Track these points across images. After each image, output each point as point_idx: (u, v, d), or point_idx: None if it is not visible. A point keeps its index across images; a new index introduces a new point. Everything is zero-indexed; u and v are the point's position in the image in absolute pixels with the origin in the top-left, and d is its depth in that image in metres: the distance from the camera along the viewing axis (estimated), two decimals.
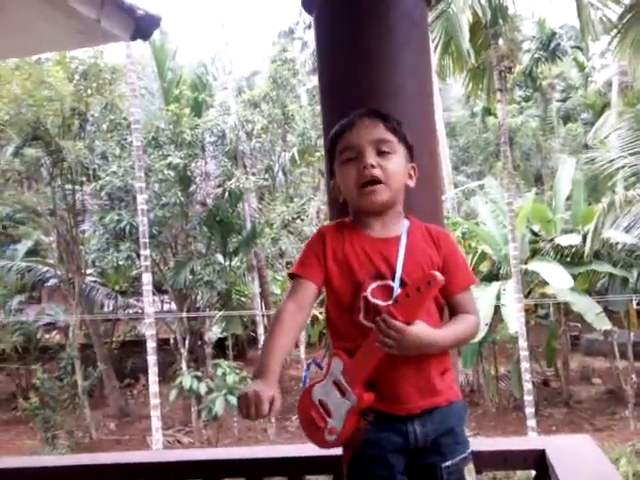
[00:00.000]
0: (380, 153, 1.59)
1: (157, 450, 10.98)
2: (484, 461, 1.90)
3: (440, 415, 1.56)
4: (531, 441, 2.90)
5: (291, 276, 1.64)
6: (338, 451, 1.63)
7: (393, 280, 1.55)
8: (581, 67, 24.93)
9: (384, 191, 1.58)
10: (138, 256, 14.19)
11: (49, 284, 18.54)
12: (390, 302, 1.51)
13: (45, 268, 17.87)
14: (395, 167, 1.60)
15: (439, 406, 1.56)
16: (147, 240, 12.78)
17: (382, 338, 1.45)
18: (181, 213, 15.71)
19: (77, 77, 15.36)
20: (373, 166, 1.57)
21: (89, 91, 15.43)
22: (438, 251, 1.62)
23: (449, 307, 1.63)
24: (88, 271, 17.62)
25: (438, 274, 1.45)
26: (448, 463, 1.56)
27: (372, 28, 2.11)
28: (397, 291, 1.53)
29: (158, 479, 2.42)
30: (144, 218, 12.78)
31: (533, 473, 2.10)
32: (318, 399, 1.58)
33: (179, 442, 14.81)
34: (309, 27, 19.31)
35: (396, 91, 2.10)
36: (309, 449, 2.03)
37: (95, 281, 18.38)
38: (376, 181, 1.57)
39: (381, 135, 1.61)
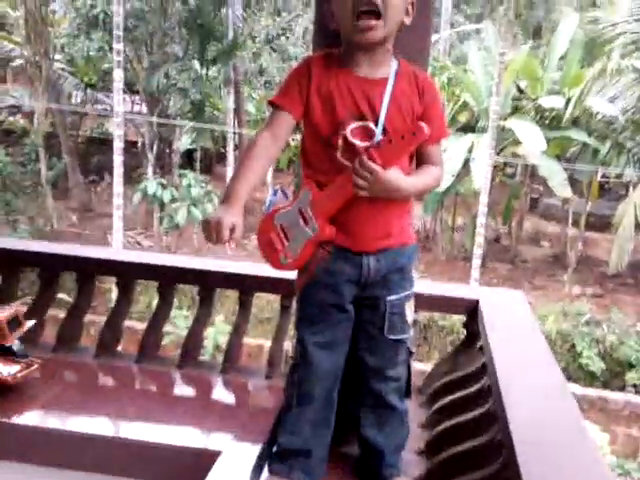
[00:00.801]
0: None
1: (117, 249, 11.35)
2: (422, 302, 2.04)
3: (393, 254, 1.65)
4: (468, 290, 3.10)
5: (271, 104, 1.62)
6: (289, 275, 1.72)
7: (374, 122, 1.54)
8: None
9: (380, 28, 1.50)
10: (111, 49, 13.44)
11: (14, 64, 17.62)
12: (369, 143, 1.53)
13: (11, 46, 16.85)
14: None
15: (393, 246, 1.65)
16: (121, 33, 12.05)
17: (355, 178, 1.49)
18: (160, 9, 14.68)
19: None
20: None
21: None
22: (420, 99, 1.61)
23: (417, 157, 1.66)
24: (57, 57, 16.72)
25: (425, 126, 1.45)
26: (393, 297, 1.68)
27: None
28: (379, 135, 1.53)
29: (116, 276, 2.54)
30: (120, 8, 11.92)
31: (465, 318, 2.28)
32: (280, 223, 1.64)
33: (139, 244, 15.27)
34: None
35: None
36: (262, 269, 2.14)
37: (63, 69, 17.52)
38: (373, 12, 1.48)
39: None
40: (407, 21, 1.59)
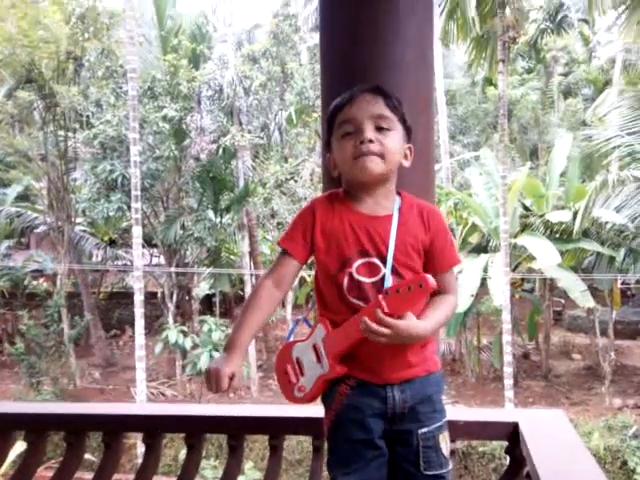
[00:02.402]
0: (379, 129, 1.59)
1: (141, 403, 11.14)
2: (459, 431, 1.96)
3: (419, 384, 1.61)
4: (505, 413, 2.98)
5: (279, 244, 1.68)
6: (318, 413, 1.68)
7: (378, 258, 1.57)
8: (586, 41, 24.61)
9: (380, 163, 1.58)
10: (129, 208, 14.12)
11: (38, 231, 18.51)
12: (375, 279, 1.55)
13: (34, 214, 17.81)
14: (392, 143, 1.60)
15: (417, 376, 1.61)
16: (139, 193, 12.70)
17: (375, 330, 1.46)
18: (174, 167, 15.60)
19: (74, 19, 15.02)
20: (371, 141, 1.57)
21: (86, 35, 15.12)
22: (426, 230, 1.63)
23: None
24: (78, 220, 17.57)
25: (431, 279, 1.44)
26: (424, 430, 1.62)
27: None
28: (388, 276, 1.55)
29: (142, 431, 2.48)
30: (137, 170, 12.67)
31: (506, 444, 2.17)
32: (296, 356, 1.65)
33: (163, 394, 15.01)
34: None
35: (397, 60, 2.07)
36: (290, 410, 2.09)
37: (84, 231, 18.35)
38: (373, 154, 1.57)
39: (381, 111, 1.60)
40: (406, 164, 1.66)
